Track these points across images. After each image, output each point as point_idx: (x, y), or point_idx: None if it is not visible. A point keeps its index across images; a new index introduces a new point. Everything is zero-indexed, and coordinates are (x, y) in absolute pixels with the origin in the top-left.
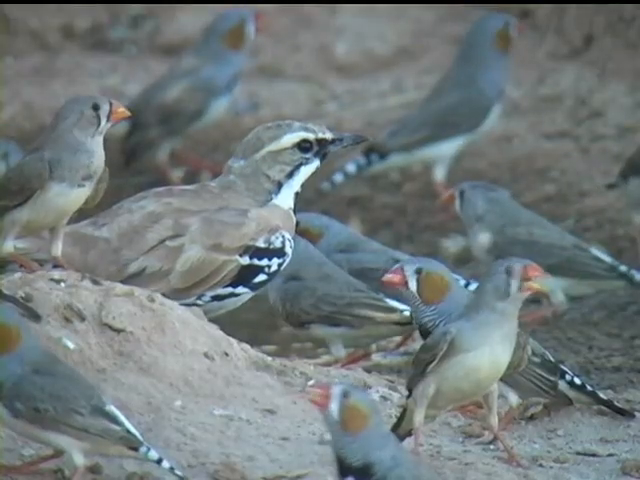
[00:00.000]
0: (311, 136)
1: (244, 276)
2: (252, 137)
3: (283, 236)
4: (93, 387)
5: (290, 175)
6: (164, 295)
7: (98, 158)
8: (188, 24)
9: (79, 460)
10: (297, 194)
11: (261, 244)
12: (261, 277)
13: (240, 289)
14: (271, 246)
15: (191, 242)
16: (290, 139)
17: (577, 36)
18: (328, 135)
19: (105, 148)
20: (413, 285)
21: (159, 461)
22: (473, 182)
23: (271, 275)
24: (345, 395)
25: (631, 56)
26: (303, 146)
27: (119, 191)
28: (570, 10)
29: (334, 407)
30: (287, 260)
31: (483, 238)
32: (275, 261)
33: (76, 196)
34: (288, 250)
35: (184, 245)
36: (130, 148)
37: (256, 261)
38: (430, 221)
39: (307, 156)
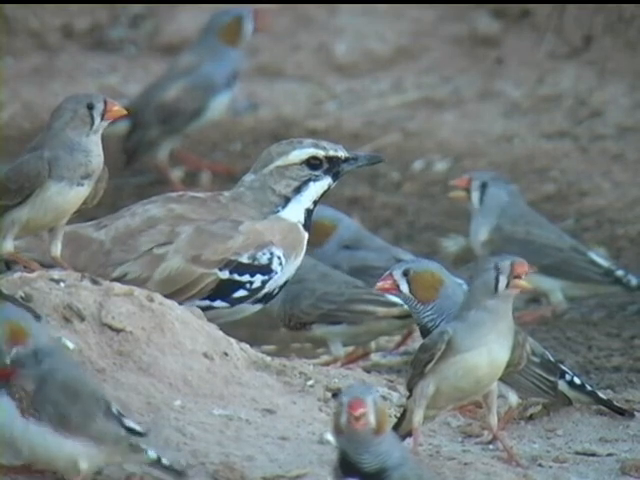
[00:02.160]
0: (320, 153)
1: (223, 290)
2: (265, 153)
3: (272, 253)
4: (98, 387)
5: (297, 190)
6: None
7: (96, 157)
8: (188, 24)
9: (84, 465)
10: (309, 211)
11: (244, 260)
12: (241, 292)
13: (218, 303)
14: (255, 262)
15: (175, 251)
16: (298, 155)
17: (577, 36)
18: (340, 153)
19: (105, 148)
20: (405, 287)
21: (158, 460)
22: (486, 172)
23: (253, 291)
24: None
25: (630, 56)
26: (312, 163)
27: (119, 191)
28: (570, 10)
29: (371, 418)
30: (275, 277)
31: (483, 233)
32: (258, 277)
33: (75, 195)
34: (276, 267)
35: (167, 254)
36: (131, 148)
37: (236, 276)
38: (430, 221)
39: (316, 173)
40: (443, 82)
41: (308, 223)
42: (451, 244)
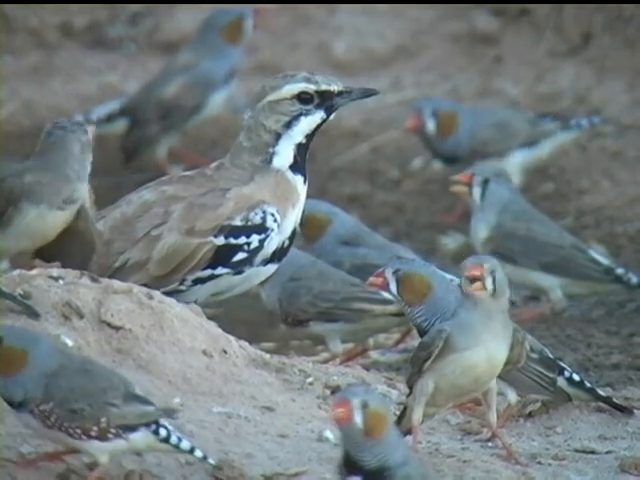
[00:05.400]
0: (311, 87)
1: (221, 256)
2: (259, 87)
3: (264, 211)
4: (115, 373)
5: (288, 125)
6: (146, 285)
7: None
8: (187, 22)
9: (103, 459)
10: (301, 145)
11: (237, 222)
12: (240, 255)
13: (219, 270)
14: (249, 223)
15: (169, 229)
16: (290, 90)
17: (576, 34)
18: (333, 87)
19: (104, 146)
20: (393, 287)
21: (191, 451)
22: (488, 169)
23: (251, 252)
24: (364, 405)
25: (629, 54)
26: (303, 97)
27: (119, 188)
28: (569, 8)
29: (357, 419)
30: (272, 234)
31: (484, 229)
32: (255, 237)
33: (54, 218)
34: (271, 224)
35: (163, 233)
36: (130, 145)
37: (232, 240)
38: (429, 218)
39: (307, 107)
40: (442, 80)
41: (299, 161)
42: (450, 241)
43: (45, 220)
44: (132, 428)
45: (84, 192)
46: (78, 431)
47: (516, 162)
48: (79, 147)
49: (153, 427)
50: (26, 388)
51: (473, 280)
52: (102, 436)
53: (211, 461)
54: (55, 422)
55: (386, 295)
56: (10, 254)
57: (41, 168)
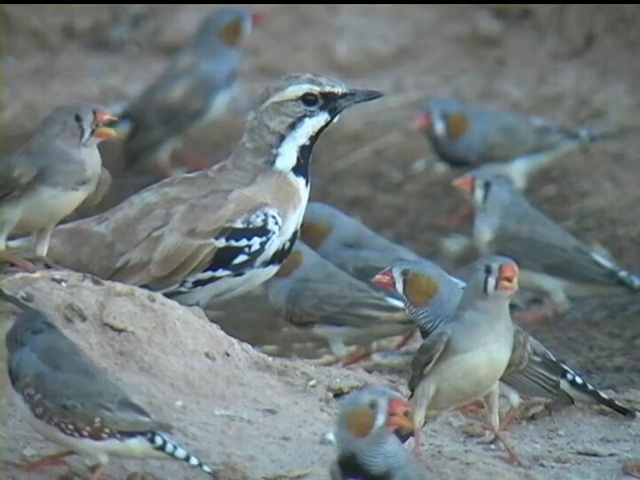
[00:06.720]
0: (316, 89)
1: (222, 258)
2: (264, 89)
3: (265, 214)
4: (115, 384)
5: (292, 127)
6: (147, 285)
7: (90, 167)
8: (188, 23)
9: (104, 458)
10: (304, 147)
11: (239, 225)
12: (241, 258)
13: (220, 272)
14: (250, 225)
15: (170, 230)
16: (294, 91)
17: (578, 36)
18: (337, 89)
19: (107, 150)
20: (400, 287)
21: (187, 459)
22: (489, 172)
23: (252, 255)
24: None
25: (632, 56)
26: (307, 99)
27: (120, 191)
28: (571, 10)
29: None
30: (273, 237)
31: (487, 231)
32: (256, 240)
33: (70, 199)
34: (272, 227)
35: (164, 234)
36: (133, 148)
37: (233, 242)
38: (431, 221)
39: (312, 109)
40: (444, 82)
41: (302, 163)
42: (452, 244)
43: (61, 200)
44: (127, 433)
45: (93, 172)
46: (70, 427)
47: (519, 168)
48: (71, 129)
49: (149, 435)
50: (20, 364)
51: (506, 280)
52: (95, 435)
53: (206, 469)
54: (44, 413)
55: (393, 302)
56: (25, 230)
57: (48, 153)
